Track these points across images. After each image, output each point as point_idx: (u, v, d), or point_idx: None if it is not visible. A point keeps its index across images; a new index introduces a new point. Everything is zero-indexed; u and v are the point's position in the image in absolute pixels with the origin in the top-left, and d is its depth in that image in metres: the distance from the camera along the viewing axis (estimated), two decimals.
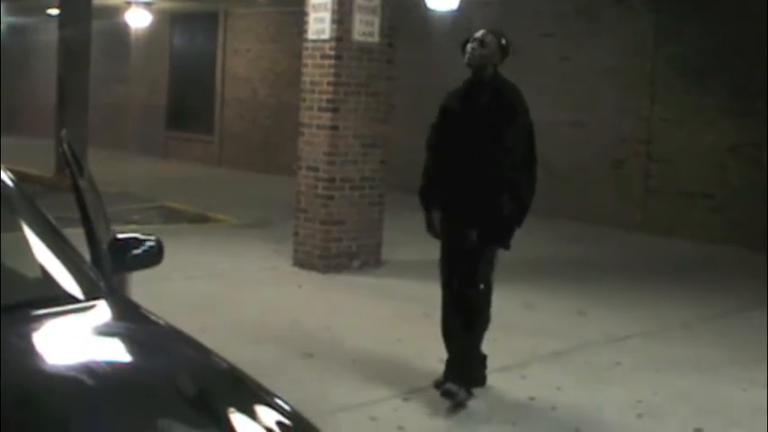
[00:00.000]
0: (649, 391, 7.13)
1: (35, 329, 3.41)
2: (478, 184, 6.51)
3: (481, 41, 6.66)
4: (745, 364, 8.00)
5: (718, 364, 8.02)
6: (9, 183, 4.03)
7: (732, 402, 7.03)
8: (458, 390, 6.55)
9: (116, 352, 3.44)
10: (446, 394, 6.54)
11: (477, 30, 6.81)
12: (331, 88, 10.74)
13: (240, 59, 22.97)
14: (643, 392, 7.07)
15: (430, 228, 6.86)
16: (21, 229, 3.89)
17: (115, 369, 3.25)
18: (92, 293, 3.67)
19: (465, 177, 6.58)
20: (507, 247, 6.69)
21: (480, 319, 6.74)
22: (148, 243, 4.35)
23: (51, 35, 21.14)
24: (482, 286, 6.66)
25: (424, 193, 6.90)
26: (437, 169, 6.82)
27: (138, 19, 23.44)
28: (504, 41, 6.75)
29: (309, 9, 10.91)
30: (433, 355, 7.26)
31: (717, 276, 11.84)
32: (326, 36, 10.72)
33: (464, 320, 6.71)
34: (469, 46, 6.68)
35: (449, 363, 6.77)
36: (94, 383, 3.06)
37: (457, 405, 6.51)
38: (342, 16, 10.64)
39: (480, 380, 6.85)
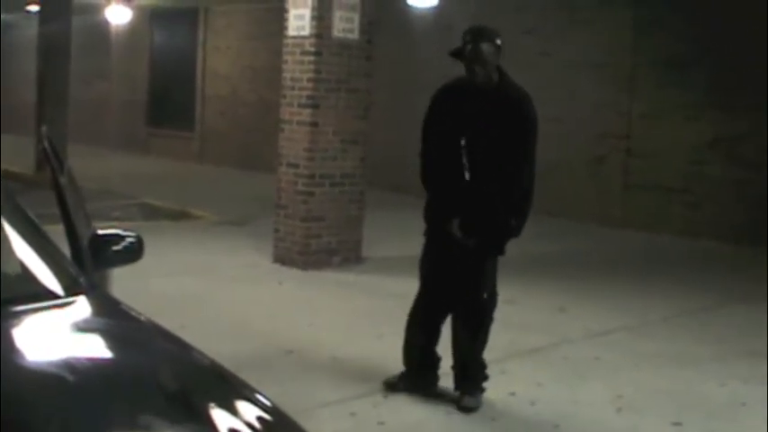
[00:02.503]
0: (629, 386, 7.16)
1: (15, 326, 3.40)
2: (484, 194, 6.38)
3: (483, 61, 6.38)
4: (724, 359, 8.04)
5: (698, 358, 8.06)
6: None
7: (711, 397, 7.07)
8: (476, 402, 6.55)
9: (96, 348, 3.44)
10: (466, 410, 6.46)
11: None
12: (311, 85, 10.74)
13: (220, 56, 22.95)
14: (623, 388, 7.10)
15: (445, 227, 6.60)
16: (1, 226, 3.88)
17: (96, 365, 3.24)
18: (72, 290, 3.66)
19: (469, 186, 6.41)
20: (503, 252, 6.66)
21: (486, 329, 6.68)
22: (129, 239, 4.35)
23: (31, 31, 21.08)
24: (485, 296, 6.60)
25: (435, 206, 6.68)
26: (438, 174, 6.62)
27: (118, 16, 23.41)
28: (498, 42, 6.47)
29: (289, 5, 10.91)
30: None
31: (697, 271, 11.89)
32: (306, 32, 10.72)
33: (471, 329, 6.65)
34: (476, 68, 6.38)
35: (456, 377, 6.71)
36: (75, 379, 3.05)
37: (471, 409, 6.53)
38: (322, 13, 10.64)
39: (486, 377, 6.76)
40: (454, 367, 6.74)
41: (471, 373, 6.67)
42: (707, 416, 6.67)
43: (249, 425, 3.00)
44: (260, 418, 3.07)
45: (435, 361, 6.85)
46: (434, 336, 6.82)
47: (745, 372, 7.58)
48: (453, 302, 6.69)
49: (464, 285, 6.59)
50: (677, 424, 6.41)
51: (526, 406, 6.65)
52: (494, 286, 6.69)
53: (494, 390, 6.81)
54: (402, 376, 6.81)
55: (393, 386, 6.75)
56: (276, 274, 10.63)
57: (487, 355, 7.30)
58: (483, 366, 6.71)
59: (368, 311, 9.11)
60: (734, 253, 13.10)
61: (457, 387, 6.69)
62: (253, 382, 3.36)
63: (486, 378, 6.70)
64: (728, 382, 7.38)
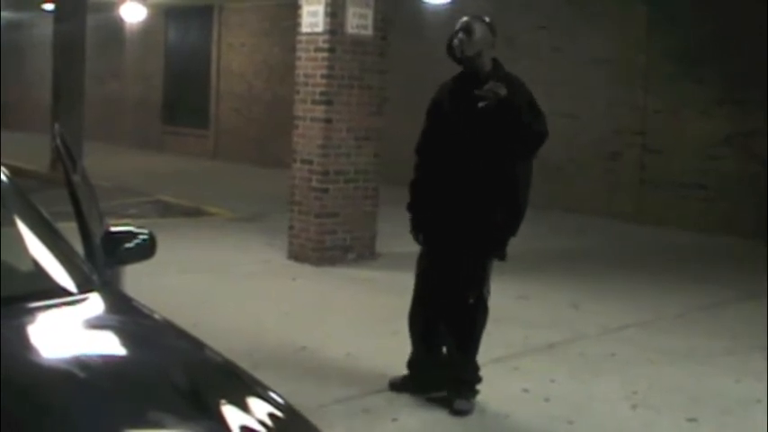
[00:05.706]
0: (643, 382, 7.14)
1: (28, 322, 3.42)
2: (475, 192, 6.18)
3: (467, 29, 6.24)
4: (739, 354, 8.02)
5: (712, 354, 8.04)
6: (3, 178, 4.04)
7: (726, 393, 7.04)
8: (469, 405, 6.38)
9: (109, 345, 3.45)
10: (458, 413, 6.29)
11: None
12: (324, 81, 10.75)
13: (235, 53, 22.99)
14: (637, 383, 7.08)
15: (413, 234, 6.62)
16: (14, 224, 3.90)
17: (108, 362, 3.26)
18: (85, 286, 3.68)
19: (460, 184, 6.22)
20: (503, 257, 6.43)
21: (477, 334, 6.47)
22: (141, 236, 4.37)
23: (46, 30, 21.14)
24: (471, 300, 6.34)
25: (413, 205, 6.60)
26: (427, 175, 6.46)
27: (133, 14, 23.46)
28: (485, 31, 6.30)
29: (303, 2, 10.91)
30: None
31: (711, 266, 11.87)
32: (320, 29, 10.72)
33: (459, 333, 6.47)
34: (455, 39, 6.23)
35: (449, 380, 6.52)
36: (87, 376, 3.07)
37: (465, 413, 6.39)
38: (335, 9, 10.64)
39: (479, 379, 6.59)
40: (448, 371, 6.58)
41: (464, 377, 6.49)
42: (722, 412, 6.64)
43: (261, 422, 3.01)
44: (272, 416, 3.08)
45: (443, 364, 6.66)
46: (435, 336, 6.61)
47: (760, 367, 7.55)
48: (445, 303, 6.48)
49: (452, 288, 6.39)
50: (692, 420, 6.39)
51: (540, 402, 6.64)
52: (482, 292, 6.39)
53: (507, 386, 6.81)
54: (408, 377, 6.70)
55: (397, 387, 6.64)
56: (290, 270, 10.63)
57: (500, 351, 7.32)
58: (476, 369, 6.52)
59: (382, 308, 9.10)
60: (748, 248, 13.05)
61: (449, 390, 6.48)
62: (266, 379, 3.37)
63: (479, 381, 6.51)
64: (743, 378, 7.35)
